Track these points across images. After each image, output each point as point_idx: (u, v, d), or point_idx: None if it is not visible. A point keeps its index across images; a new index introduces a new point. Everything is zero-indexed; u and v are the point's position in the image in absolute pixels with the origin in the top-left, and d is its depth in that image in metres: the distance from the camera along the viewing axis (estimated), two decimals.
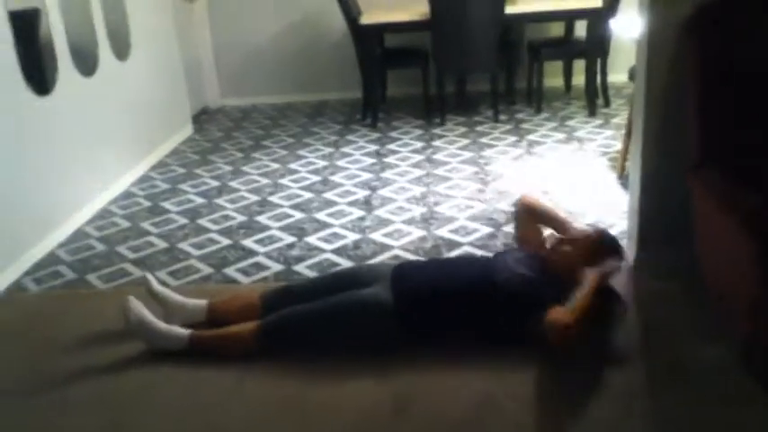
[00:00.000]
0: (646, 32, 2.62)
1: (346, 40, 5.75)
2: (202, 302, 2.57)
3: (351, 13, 5.25)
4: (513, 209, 2.84)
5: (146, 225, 3.74)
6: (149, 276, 2.61)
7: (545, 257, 2.45)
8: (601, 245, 2.41)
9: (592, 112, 5.23)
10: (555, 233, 2.56)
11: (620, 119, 5.03)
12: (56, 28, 3.69)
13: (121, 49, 4.48)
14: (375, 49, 5.42)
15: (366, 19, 5.23)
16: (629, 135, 3.55)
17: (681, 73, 2.54)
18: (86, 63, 4.01)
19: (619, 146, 4.31)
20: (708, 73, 2.38)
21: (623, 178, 3.82)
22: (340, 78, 6.26)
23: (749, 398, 2.02)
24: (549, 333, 2.13)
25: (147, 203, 4.07)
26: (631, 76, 3.71)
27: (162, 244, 3.48)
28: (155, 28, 5.05)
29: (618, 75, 5.84)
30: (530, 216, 2.67)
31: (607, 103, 5.41)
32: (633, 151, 2.86)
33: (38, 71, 3.55)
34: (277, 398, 2.17)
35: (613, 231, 3.25)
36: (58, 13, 3.70)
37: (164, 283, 2.99)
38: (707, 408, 1.99)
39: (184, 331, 2.40)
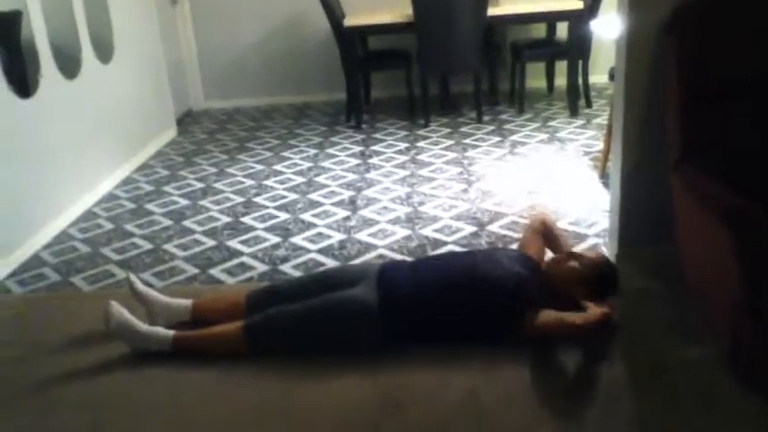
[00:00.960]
0: (625, 33, 2.65)
1: (330, 42, 5.77)
2: (187, 302, 2.56)
3: (334, 15, 5.27)
4: (528, 219, 2.85)
5: (130, 227, 3.73)
6: (133, 277, 2.60)
7: (546, 266, 2.45)
8: (607, 272, 2.39)
9: (574, 112, 5.29)
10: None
11: (602, 119, 5.08)
12: (38, 30, 3.67)
13: (105, 52, 4.47)
14: (359, 50, 5.45)
15: (350, 21, 5.25)
16: (610, 135, 3.59)
17: (660, 73, 2.59)
18: (69, 65, 4.00)
19: (600, 146, 4.36)
20: (687, 73, 2.42)
21: (605, 178, 3.86)
22: (324, 80, 6.28)
23: (732, 398, 2.03)
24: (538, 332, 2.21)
25: (131, 205, 4.07)
26: (611, 76, 3.75)
27: (146, 245, 3.48)
28: (138, 31, 5.05)
29: (599, 76, 5.90)
30: (542, 234, 2.68)
31: (589, 104, 5.47)
32: (614, 150, 2.90)
33: (20, 73, 3.54)
34: (260, 398, 2.18)
35: (595, 230, 3.30)
36: (41, 16, 3.69)
37: (148, 284, 2.99)
38: (690, 408, 2.01)
39: (168, 332, 2.40)
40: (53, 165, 3.74)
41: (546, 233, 2.69)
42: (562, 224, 3.36)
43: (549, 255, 2.67)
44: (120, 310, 2.39)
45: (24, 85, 3.55)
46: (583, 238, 3.23)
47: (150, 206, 4.04)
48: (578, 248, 3.07)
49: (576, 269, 2.35)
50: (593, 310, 2.23)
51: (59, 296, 3.00)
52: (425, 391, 2.15)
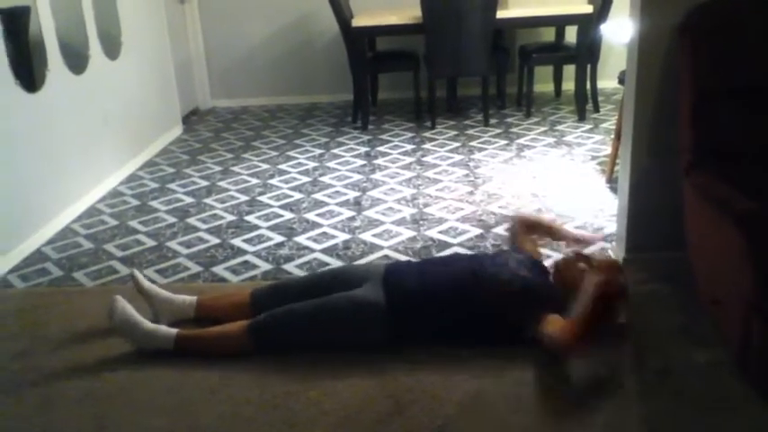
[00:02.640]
0: (637, 37, 2.63)
1: (338, 43, 5.77)
2: (191, 299, 2.55)
3: (343, 16, 5.26)
4: (508, 229, 2.85)
5: (134, 224, 3.72)
6: (137, 273, 2.59)
7: (556, 266, 2.42)
8: (617, 272, 2.37)
9: (581, 117, 5.26)
10: (562, 244, 2.57)
11: (610, 124, 5.06)
12: (46, 26, 3.67)
13: (112, 48, 4.47)
14: (366, 51, 5.43)
15: (358, 22, 5.23)
16: (618, 139, 3.57)
17: (671, 77, 2.57)
18: (77, 61, 4.00)
19: (608, 150, 4.34)
20: (700, 76, 2.40)
21: (612, 182, 3.84)
22: (331, 81, 6.27)
23: (742, 402, 2.01)
24: (551, 348, 2.14)
25: (135, 202, 4.06)
26: (621, 80, 3.73)
27: (150, 242, 3.46)
28: (146, 28, 5.04)
29: (607, 80, 5.88)
30: (527, 232, 2.70)
31: (597, 109, 5.44)
32: (623, 154, 2.88)
33: (27, 68, 3.53)
34: (265, 396, 2.16)
35: (602, 234, 3.27)
36: (49, 12, 3.69)
37: (151, 281, 2.97)
38: (699, 412, 1.99)
39: (171, 331, 2.37)
40: (58, 160, 3.73)
41: (530, 229, 2.71)
42: (569, 228, 3.33)
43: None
44: (123, 306, 2.38)
45: (31, 79, 3.54)
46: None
47: (155, 203, 4.02)
48: (587, 252, 3.04)
49: (585, 273, 2.32)
50: (589, 290, 2.16)
51: (62, 291, 2.98)
52: (430, 392, 2.13)
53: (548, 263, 2.63)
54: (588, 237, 2.86)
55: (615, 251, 2.99)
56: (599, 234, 2.67)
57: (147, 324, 2.38)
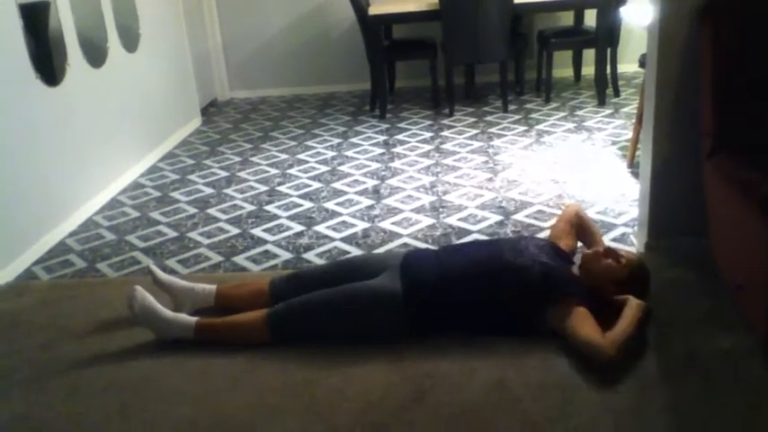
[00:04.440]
0: (657, 20, 2.60)
1: (355, 32, 5.75)
2: (211, 287, 2.56)
3: (359, 4, 5.24)
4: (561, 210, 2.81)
5: (155, 215, 3.75)
6: (153, 266, 2.60)
7: (581, 259, 2.40)
8: (641, 275, 2.34)
9: (601, 101, 5.21)
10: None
11: (630, 108, 5.00)
12: (65, 20, 3.70)
13: (131, 41, 4.49)
14: (383, 40, 5.41)
15: (374, 10, 5.21)
16: (639, 123, 3.53)
17: (693, 60, 2.53)
18: (96, 54, 4.03)
19: (629, 135, 4.29)
20: (722, 59, 2.36)
21: (633, 167, 3.80)
22: (349, 70, 6.26)
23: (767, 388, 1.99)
24: (585, 350, 2.12)
25: (156, 194, 4.09)
26: (642, 63, 3.68)
27: (171, 233, 3.49)
28: (164, 20, 5.06)
29: (627, 64, 5.82)
30: (575, 226, 2.65)
31: (617, 93, 5.38)
32: (644, 139, 2.84)
33: (47, 62, 3.56)
34: (286, 385, 2.17)
35: (623, 219, 3.25)
36: (68, 6, 3.72)
37: (173, 272, 3.01)
38: (725, 397, 1.97)
39: (191, 319, 2.39)
40: (79, 153, 3.77)
41: (579, 225, 2.65)
42: (590, 214, 3.31)
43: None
44: (143, 295, 2.39)
45: (52, 73, 3.57)
46: (611, 227, 3.17)
47: (175, 194, 4.05)
48: (606, 239, 3.02)
49: (611, 267, 2.30)
50: (631, 311, 2.19)
51: (86, 282, 3.02)
52: (452, 379, 2.13)
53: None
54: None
55: (638, 236, 2.97)
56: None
57: (167, 313, 2.39)
